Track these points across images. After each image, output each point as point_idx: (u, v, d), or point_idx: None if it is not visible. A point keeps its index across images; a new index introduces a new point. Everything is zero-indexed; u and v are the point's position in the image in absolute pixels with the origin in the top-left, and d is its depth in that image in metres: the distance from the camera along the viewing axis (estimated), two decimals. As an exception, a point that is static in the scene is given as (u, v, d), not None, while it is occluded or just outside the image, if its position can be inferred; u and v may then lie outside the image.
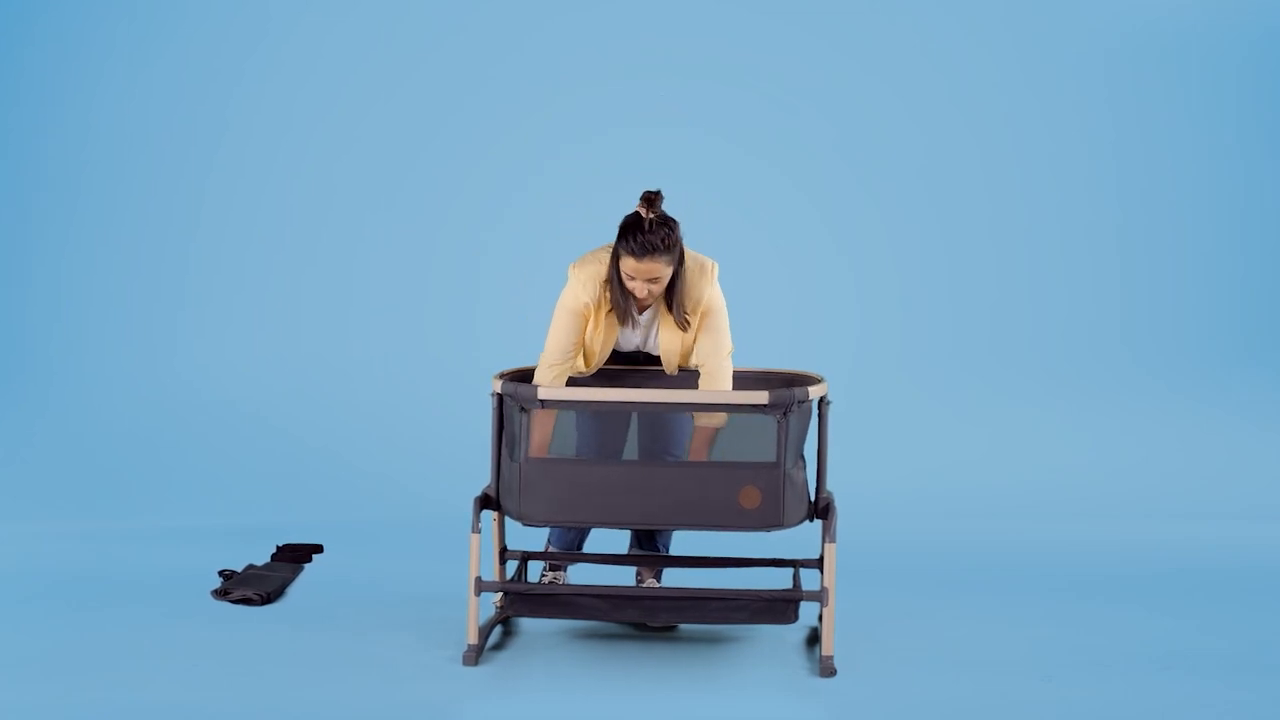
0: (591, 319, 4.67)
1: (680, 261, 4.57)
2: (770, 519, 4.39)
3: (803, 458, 4.58)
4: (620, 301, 4.61)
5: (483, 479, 5.04)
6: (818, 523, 4.66)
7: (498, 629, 4.85)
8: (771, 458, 4.39)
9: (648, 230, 4.49)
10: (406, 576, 5.49)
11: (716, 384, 4.68)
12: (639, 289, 4.58)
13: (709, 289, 4.65)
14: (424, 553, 5.76)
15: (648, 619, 4.57)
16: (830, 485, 4.82)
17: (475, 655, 4.51)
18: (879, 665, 4.55)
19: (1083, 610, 5.19)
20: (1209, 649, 4.77)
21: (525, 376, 4.82)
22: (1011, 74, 7.25)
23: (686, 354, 4.77)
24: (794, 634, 4.85)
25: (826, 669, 4.45)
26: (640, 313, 4.73)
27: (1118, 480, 6.80)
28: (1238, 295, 7.31)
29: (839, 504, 4.77)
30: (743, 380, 4.85)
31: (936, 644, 4.77)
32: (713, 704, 4.26)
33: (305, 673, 4.44)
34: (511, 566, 5.11)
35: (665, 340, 4.71)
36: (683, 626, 4.88)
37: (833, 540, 4.47)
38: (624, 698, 4.29)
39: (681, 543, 5.33)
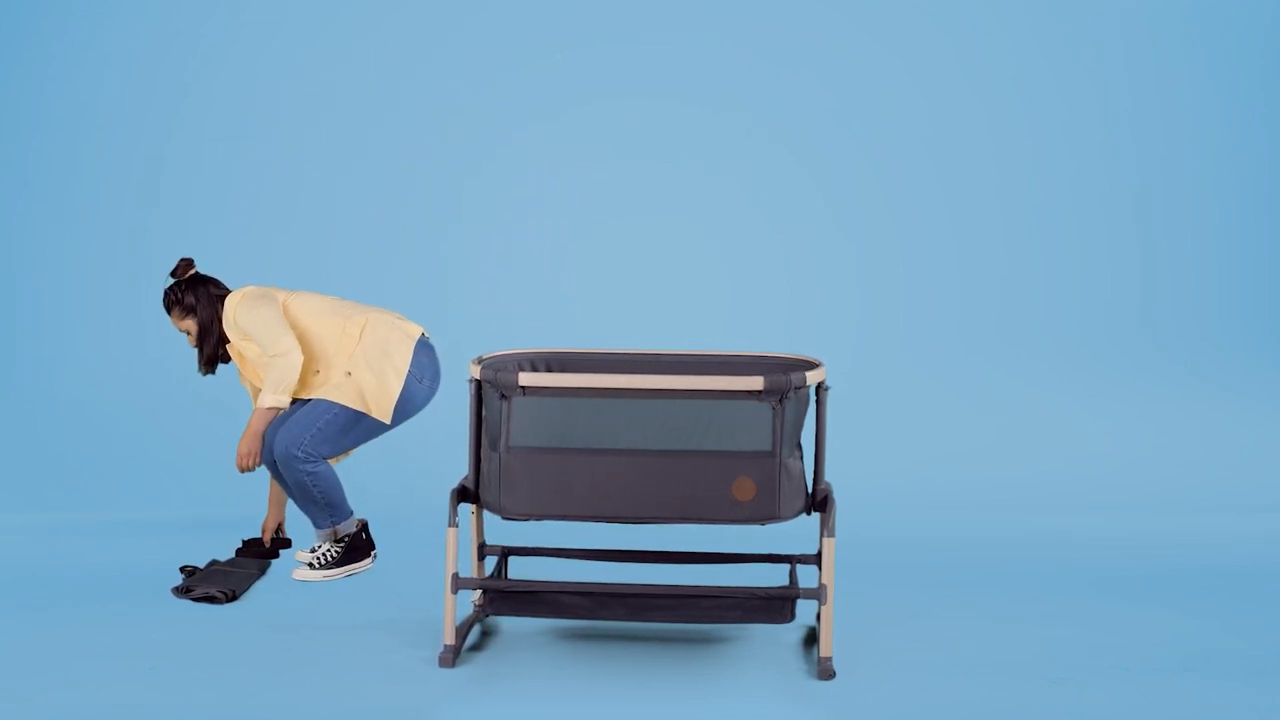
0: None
1: (207, 314, 5.33)
2: (765, 511, 4.33)
3: (799, 447, 4.52)
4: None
5: (460, 470, 4.97)
6: (815, 516, 4.62)
7: (476, 628, 4.82)
8: (767, 447, 4.34)
9: (165, 294, 5.41)
10: (380, 573, 5.46)
11: (268, 381, 5.27)
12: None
13: (232, 313, 5.33)
14: (398, 548, 5.70)
15: (637, 618, 4.54)
16: (829, 476, 4.77)
17: (453, 656, 4.45)
18: (880, 667, 4.49)
19: (1096, 609, 5.16)
20: (1231, 650, 4.70)
21: (506, 362, 4.76)
22: (1022, 41, 7.27)
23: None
24: (790, 634, 4.79)
25: (825, 671, 4.39)
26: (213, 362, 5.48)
27: (1135, 471, 6.78)
28: (1264, 273, 7.31)
29: (838, 496, 4.73)
30: (738, 365, 4.81)
31: (941, 645, 4.73)
32: (705, 708, 4.20)
33: (272, 675, 4.38)
34: (491, 563, 5.00)
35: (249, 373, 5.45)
36: (674, 626, 4.81)
37: (831, 535, 4.43)
38: (611, 702, 4.23)
39: (673, 537, 5.28)
